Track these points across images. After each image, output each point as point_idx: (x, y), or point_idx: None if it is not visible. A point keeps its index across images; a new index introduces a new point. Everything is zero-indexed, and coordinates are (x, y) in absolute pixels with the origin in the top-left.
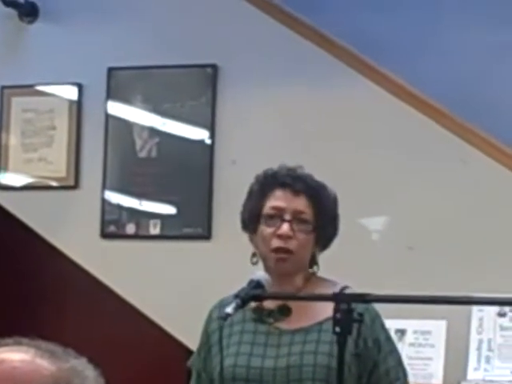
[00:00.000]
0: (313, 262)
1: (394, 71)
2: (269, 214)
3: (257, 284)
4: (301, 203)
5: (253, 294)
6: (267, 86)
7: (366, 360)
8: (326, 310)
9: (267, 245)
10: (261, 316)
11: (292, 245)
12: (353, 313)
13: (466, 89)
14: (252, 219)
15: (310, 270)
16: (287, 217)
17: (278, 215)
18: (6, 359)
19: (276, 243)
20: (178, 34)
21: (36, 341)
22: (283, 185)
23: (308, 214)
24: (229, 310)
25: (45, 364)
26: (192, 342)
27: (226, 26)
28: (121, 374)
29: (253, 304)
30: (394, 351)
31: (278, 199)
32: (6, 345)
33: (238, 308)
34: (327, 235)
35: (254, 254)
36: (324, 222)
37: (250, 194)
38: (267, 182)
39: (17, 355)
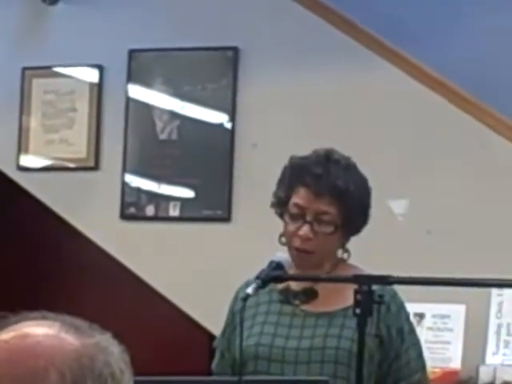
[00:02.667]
0: (343, 246)
1: (414, 54)
2: (292, 212)
3: (277, 265)
4: (324, 203)
5: (273, 275)
6: (288, 69)
7: (388, 349)
8: (352, 296)
9: (289, 241)
10: (287, 297)
11: (311, 246)
12: (373, 295)
13: (487, 72)
14: (279, 206)
15: (340, 256)
16: (308, 218)
17: (300, 214)
18: (30, 333)
19: (297, 243)
20: (200, 17)
21: (62, 316)
22: (306, 184)
23: (331, 213)
24: (249, 290)
25: (69, 339)
26: (210, 323)
27: (248, 8)
28: (140, 355)
29: (279, 285)
30: (416, 344)
31: (300, 198)
32: (33, 319)
33: (258, 289)
34: (356, 227)
35: (282, 235)
36: (351, 216)
37: (283, 175)
38: (295, 175)
39: (41, 330)
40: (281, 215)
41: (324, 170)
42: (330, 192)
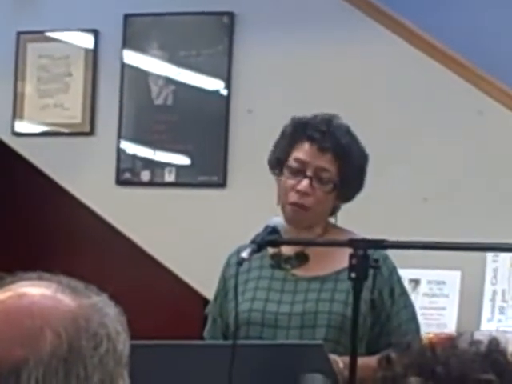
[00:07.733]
0: (333, 212)
1: (413, 21)
2: (292, 166)
3: (272, 230)
4: (325, 160)
5: (268, 239)
6: (284, 34)
7: (380, 311)
8: (344, 259)
9: (285, 196)
10: (278, 262)
11: (309, 201)
12: (369, 259)
13: (486, 40)
14: (279, 163)
15: (330, 220)
16: (309, 173)
17: (300, 169)
18: (27, 293)
19: (293, 198)
20: None
21: (58, 276)
22: (311, 139)
23: (331, 171)
24: (244, 254)
25: (65, 299)
26: (205, 288)
27: None
28: (133, 319)
29: (271, 250)
30: (408, 306)
31: (303, 152)
32: (29, 279)
33: (253, 253)
34: (351, 191)
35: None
36: (348, 179)
37: (282, 135)
38: (298, 131)
39: (38, 290)
40: (278, 174)
41: (328, 128)
42: (334, 149)
